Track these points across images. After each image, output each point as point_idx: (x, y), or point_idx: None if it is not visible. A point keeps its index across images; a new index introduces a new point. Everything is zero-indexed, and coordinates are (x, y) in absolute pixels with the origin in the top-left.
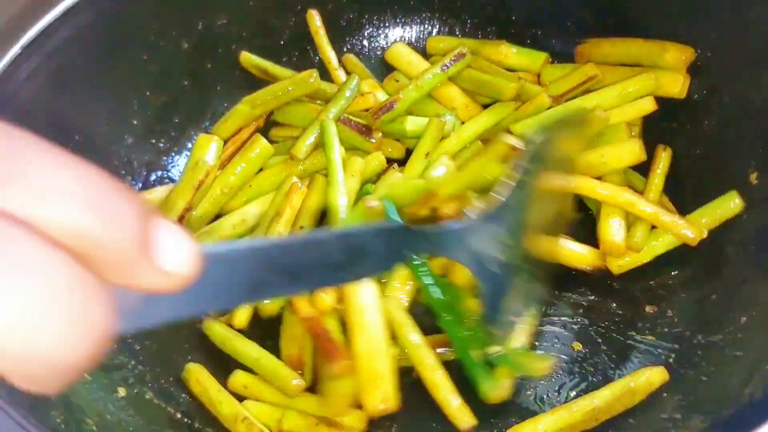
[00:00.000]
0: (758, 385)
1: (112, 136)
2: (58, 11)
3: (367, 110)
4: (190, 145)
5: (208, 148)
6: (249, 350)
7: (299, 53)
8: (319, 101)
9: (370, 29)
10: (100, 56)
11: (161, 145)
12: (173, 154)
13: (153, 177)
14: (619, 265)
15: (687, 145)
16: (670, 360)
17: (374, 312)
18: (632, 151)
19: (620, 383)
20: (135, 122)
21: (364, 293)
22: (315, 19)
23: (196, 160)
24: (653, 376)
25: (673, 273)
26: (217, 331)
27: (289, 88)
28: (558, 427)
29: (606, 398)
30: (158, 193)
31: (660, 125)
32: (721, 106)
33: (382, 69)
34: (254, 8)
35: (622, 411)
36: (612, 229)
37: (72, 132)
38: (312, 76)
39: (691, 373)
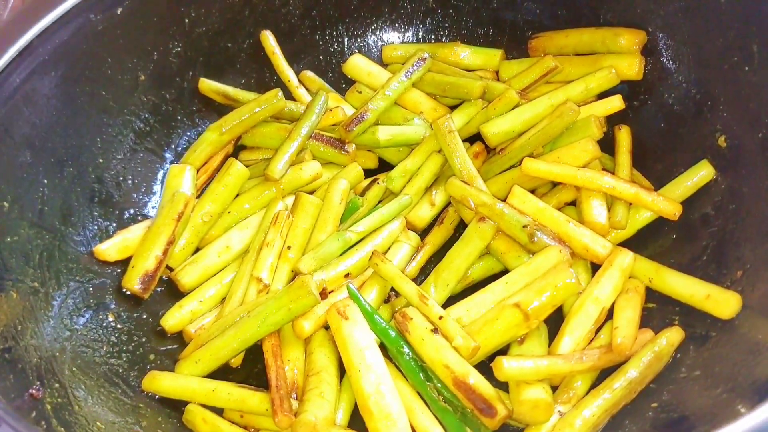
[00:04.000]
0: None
1: (80, 177)
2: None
3: (335, 125)
4: (159, 178)
5: (182, 178)
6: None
7: (256, 75)
8: (284, 120)
9: (324, 44)
10: (58, 94)
11: (129, 182)
12: (143, 189)
13: (126, 215)
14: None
15: (651, 121)
16: (676, 322)
17: (374, 351)
18: (586, 149)
19: (645, 350)
20: (101, 160)
21: (358, 335)
22: (269, 40)
23: (173, 192)
24: (672, 337)
25: (658, 242)
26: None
27: (257, 110)
28: (604, 408)
29: (638, 368)
30: (136, 230)
31: None
32: (679, 80)
33: (341, 82)
34: (207, 33)
35: (652, 378)
36: (594, 210)
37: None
38: (277, 95)
39: (700, 331)
